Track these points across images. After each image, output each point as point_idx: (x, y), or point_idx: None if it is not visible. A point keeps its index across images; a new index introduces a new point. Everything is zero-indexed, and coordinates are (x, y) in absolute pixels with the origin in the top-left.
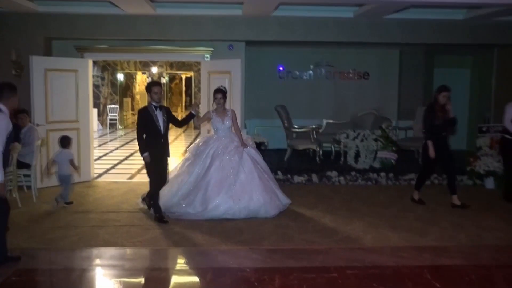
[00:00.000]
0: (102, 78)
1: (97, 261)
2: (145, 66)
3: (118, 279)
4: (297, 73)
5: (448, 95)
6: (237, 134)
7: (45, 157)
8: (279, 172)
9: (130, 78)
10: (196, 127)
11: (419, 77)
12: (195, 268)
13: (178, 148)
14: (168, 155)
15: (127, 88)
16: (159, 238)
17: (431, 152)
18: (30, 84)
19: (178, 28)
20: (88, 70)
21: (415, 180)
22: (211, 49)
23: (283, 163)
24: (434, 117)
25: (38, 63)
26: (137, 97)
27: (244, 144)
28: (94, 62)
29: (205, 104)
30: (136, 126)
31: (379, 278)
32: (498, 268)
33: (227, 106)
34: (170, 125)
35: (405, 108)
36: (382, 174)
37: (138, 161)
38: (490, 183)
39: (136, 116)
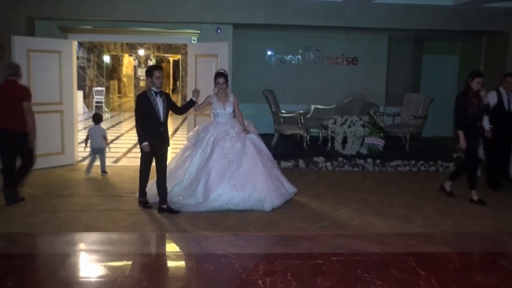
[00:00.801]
0: (88, 60)
1: (80, 246)
2: (132, 48)
3: (101, 265)
4: (286, 57)
5: (481, 81)
6: (239, 120)
7: None
8: None
9: (116, 60)
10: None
11: (407, 63)
12: (179, 253)
13: None
14: (168, 144)
15: (113, 71)
16: (143, 223)
17: (462, 142)
18: None
19: (165, 10)
20: (72, 51)
21: (401, 167)
22: (198, 31)
23: (270, 148)
24: (468, 105)
25: (20, 44)
26: (124, 79)
27: (246, 130)
28: (80, 44)
29: (191, 88)
30: (134, 113)
31: (364, 265)
32: (483, 255)
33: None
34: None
35: (393, 94)
36: (369, 160)
37: (123, 144)
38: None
39: (122, 99)
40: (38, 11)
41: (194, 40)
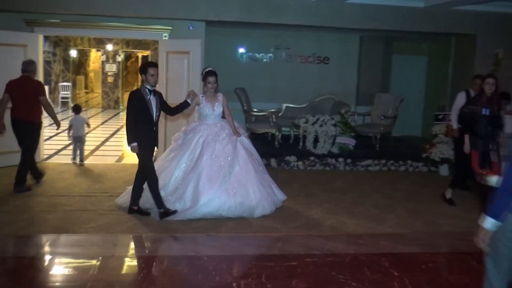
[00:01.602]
0: (54, 54)
1: (47, 249)
2: (99, 43)
3: (70, 268)
4: (257, 55)
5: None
6: (229, 121)
7: None
8: None
9: (83, 55)
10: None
11: (378, 63)
12: (150, 255)
13: None
14: (157, 145)
15: (80, 66)
16: (113, 224)
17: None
18: None
19: (137, 5)
20: (39, 45)
21: (371, 167)
22: (170, 28)
23: None
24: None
25: None
26: (91, 75)
27: (236, 133)
28: (46, 37)
29: (162, 86)
30: (126, 110)
31: (337, 266)
32: (454, 255)
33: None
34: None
35: (363, 94)
36: (340, 159)
37: (91, 142)
38: (444, 170)
39: (89, 95)
40: (3, 2)
41: (165, 36)
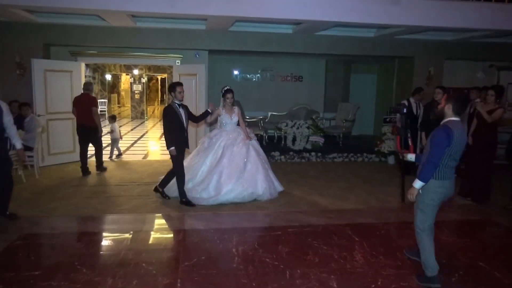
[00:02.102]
0: (93, 78)
1: (90, 226)
2: (128, 68)
3: (108, 240)
4: (248, 75)
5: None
6: (243, 128)
7: (46, 142)
8: None
9: (116, 78)
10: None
11: (339, 80)
12: (169, 230)
13: (156, 133)
14: (188, 147)
15: (114, 86)
16: (140, 206)
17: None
18: (31, 82)
19: (154, 39)
20: (81, 71)
21: (336, 159)
22: (181, 55)
23: None
24: (430, 113)
25: (38, 65)
26: (122, 93)
27: (248, 137)
28: (86, 65)
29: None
30: (163, 122)
31: (312, 234)
32: (400, 224)
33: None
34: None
35: (329, 103)
36: (313, 153)
37: (123, 143)
38: (391, 160)
39: (120, 108)
40: (53, 39)
41: (178, 62)
